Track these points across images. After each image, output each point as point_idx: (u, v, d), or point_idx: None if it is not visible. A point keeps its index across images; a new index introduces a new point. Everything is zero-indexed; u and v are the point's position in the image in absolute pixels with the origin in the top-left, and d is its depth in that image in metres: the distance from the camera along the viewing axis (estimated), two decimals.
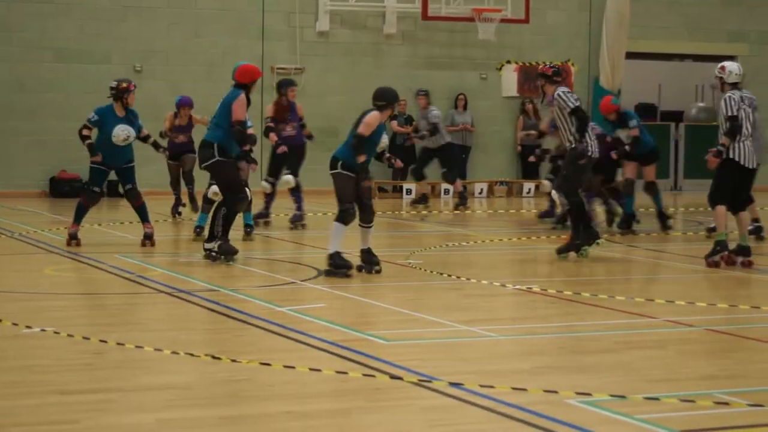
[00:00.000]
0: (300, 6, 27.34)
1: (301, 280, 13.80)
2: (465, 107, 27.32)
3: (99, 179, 16.84)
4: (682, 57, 29.31)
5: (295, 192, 18.95)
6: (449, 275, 13.69)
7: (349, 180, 14.06)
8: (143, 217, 16.76)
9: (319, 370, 9.03)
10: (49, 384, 8.55)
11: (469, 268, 14.79)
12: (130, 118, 16.62)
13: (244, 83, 15.06)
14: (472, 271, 14.50)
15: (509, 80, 27.98)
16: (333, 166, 14.17)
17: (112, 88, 16.62)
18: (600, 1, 28.88)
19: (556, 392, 8.41)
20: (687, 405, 8.20)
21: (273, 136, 18.88)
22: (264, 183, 19.04)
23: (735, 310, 12.15)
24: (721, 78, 14.89)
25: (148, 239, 16.66)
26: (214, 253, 14.94)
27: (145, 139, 17.08)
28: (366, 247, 14.38)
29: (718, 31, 30.32)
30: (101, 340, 10.00)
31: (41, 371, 9.04)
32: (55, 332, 10.32)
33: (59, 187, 25.85)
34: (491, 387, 8.52)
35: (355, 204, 14.13)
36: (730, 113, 14.57)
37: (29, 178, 25.86)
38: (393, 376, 8.88)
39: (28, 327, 10.55)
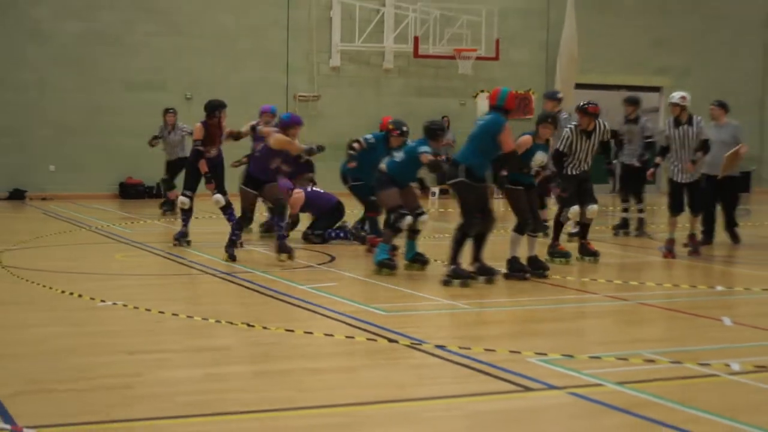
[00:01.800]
0: (317, 46, 27.42)
1: (318, 264, 13.83)
2: (448, 127, 27.41)
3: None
4: (619, 87, 29.26)
5: (227, 210, 15.02)
6: (440, 261, 13.71)
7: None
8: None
9: (331, 335, 9.07)
10: (119, 346, 8.58)
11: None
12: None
13: (508, 109, 12.12)
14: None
15: (483, 106, 27.96)
16: (454, 175, 12.06)
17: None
18: (555, 43, 28.92)
19: (519, 352, 8.46)
20: (622, 362, 8.24)
21: (204, 164, 15.04)
22: (183, 198, 15.46)
23: (660, 288, 12.17)
24: (683, 106, 14.85)
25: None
26: (446, 278, 11.97)
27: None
28: (533, 254, 12.85)
29: (647, 66, 30.33)
30: (160, 311, 10.05)
31: (113, 335, 9.09)
32: (124, 305, 10.36)
33: (127, 191, 25.94)
34: (468, 348, 8.56)
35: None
36: (704, 136, 14.55)
37: (103, 182, 25.88)
38: (390, 340, 8.91)
39: (102, 301, 10.58)
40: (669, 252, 14.62)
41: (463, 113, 27.86)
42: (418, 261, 13.19)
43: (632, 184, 17.38)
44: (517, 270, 12.61)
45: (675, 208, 14.75)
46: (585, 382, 7.57)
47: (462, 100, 28.17)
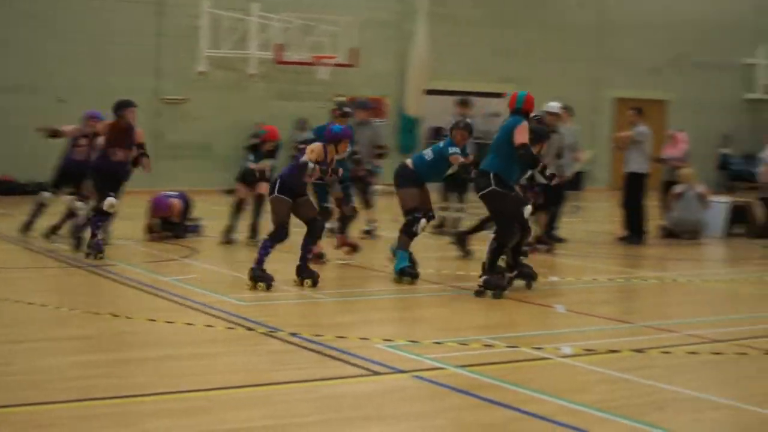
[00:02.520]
0: (186, 52, 27.15)
1: (180, 257, 13.69)
2: (305, 129, 27.43)
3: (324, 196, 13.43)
4: (466, 93, 29.51)
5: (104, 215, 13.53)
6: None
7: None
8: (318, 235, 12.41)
9: (192, 324, 8.98)
10: None
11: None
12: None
13: (527, 110, 11.34)
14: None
15: None
16: (486, 185, 11.01)
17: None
18: (408, 52, 29.08)
19: (368, 339, 8.47)
20: (463, 347, 8.31)
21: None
22: (79, 203, 14.26)
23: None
24: (559, 115, 15.02)
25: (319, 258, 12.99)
26: (480, 288, 10.96)
27: None
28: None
29: (492, 74, 30.64)
30: (29, 303, 9.85)
31: None
32: None
33: None
34: (321, 336, 8.55)
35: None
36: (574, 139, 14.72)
37: None
38: (248, 329, 8.86)
39: None
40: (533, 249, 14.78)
41: (322, 116, 27.84)
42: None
43: (456, 184, 16.59)
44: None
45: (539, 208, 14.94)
46: (428, 366, 7.60)
47: (320, 104, 28.14)
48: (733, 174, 32.42)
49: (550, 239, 15.26)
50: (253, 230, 14.82)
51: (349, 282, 12.05)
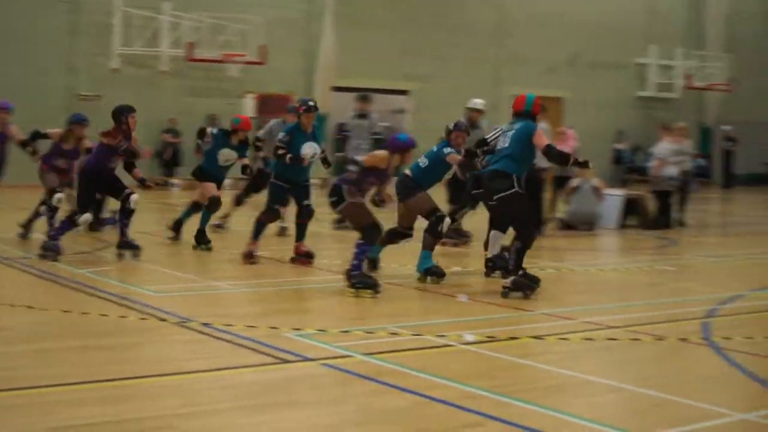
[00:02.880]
0: (99, 49, 26.88)
1: (95, 249, 13.55)
2: (216, 125, 27.32)
3: (282, 197, 12.82)
4: (374, 90, 29.53)
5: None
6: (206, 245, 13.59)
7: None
8: (302, 235, 12.73)
9: (106, 315, 8.90)
10: None
11: (218, 240, 14.61)
12: (315, 136, 12.65)
13: (535, 113, 11.06)
14: (222, 243, 14.39)
15: (249, 105, 27.89)
16: (509, 186, 10.66)
17: (294, 108, 12.96)
18: (315, 50, 29.09)
19: (277, 328, 8.46)
20: (369, 335, 8.35)
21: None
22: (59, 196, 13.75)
23: (405, 268, 12.33)
24: (482, 111, 15.13)
25: (309, 258, 12.67)
26: (506, 289, 10.58)
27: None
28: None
29: (397, 72, 30.75)
30: None
31: None
32: None
33: None
34: (231, 325, 8.52)
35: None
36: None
37: None
38: (161, 319, 8.80)
39: None
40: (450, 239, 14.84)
41: (231, 112, 27.72)
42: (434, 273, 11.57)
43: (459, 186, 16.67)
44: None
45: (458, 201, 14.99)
46: (336, 354, 7.62)
47: (230, 101, 27.99)
48: (626, 168, 32.90)
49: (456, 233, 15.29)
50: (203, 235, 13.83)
51: (259, 273, 12.00)
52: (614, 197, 18.66)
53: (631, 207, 18.84)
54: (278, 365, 7.32)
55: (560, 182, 17.96)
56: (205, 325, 8.53)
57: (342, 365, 7.29)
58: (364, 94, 16.83)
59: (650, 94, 35.39)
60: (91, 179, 12.65)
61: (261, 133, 15.51)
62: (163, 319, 8.78)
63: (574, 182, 17.97)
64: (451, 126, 12.34)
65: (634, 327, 9.10)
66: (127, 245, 12.71)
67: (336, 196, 10.69)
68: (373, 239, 10.69)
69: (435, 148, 12.03)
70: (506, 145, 10.89)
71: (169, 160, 27.71)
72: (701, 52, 36.52)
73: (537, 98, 11.21)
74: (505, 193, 10.66)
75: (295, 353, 7.59)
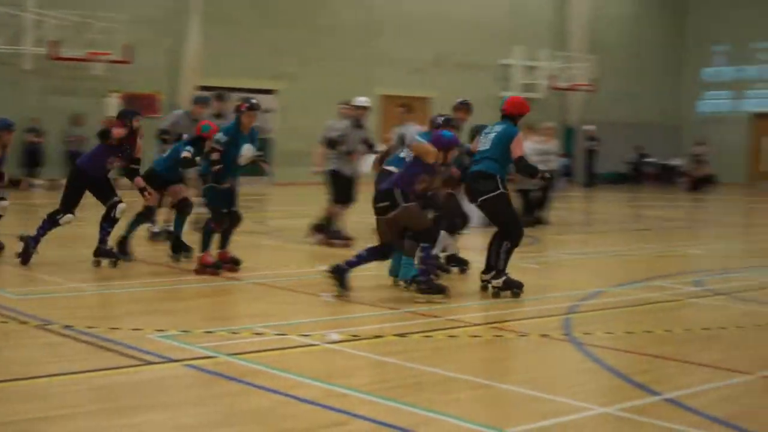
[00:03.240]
0: None
1: None
2: (81, 124, 26.86)
3: (220, 199, 11.84)
4: (241, 90, 29.33)
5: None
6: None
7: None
8: (227, 242, 12.00)
9: None
10: None
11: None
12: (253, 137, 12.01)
13: (512, 114, 10.93)
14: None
15: (114, 104, 27.45)
16: (494, 188, 10.62)
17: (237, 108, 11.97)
18: (181, 49, 28.84)
19: (141, 329, 8.36)
20: (233, 336, 8.30)
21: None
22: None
23: (270, 269, 12.27)
24: (367, 108, 15.04)
25: (236, 264, 12.05)
26: (497, 289, 10.74)
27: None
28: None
29: (264, 71, 30.61)
30: None
31: None
32: None
33: None
34: (94, 327, 8.39)
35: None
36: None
37: None
38: (21, 322, 8.62)
39: None
40: (333, 238, 14.78)
41: (96, 110, 27.28)
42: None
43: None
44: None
45: (345, 200, 14.96)
46: (200, 355, 7.55)
47: (96, 100, 27.55)
48: None
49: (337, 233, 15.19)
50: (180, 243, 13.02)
51: (123, 274, 11.82)
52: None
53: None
54: (141, 367, 7.22)
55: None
56: (67, 327, 8.38)
57: (205, 366, 7.23)
58: (220, 93, 16.22)
59: (515, 95, 35.87)
60: (83, 179, 12.16)
61: (166, 124, 14.84)
62: (24, 322, 8.60)
63: None
64: (440, 120, 11.89)
65: (498, 324, 9.21)
66: (105, 253, 12.22)
67: (388, 201, 10.39)
68: (434, 238, 10.53)
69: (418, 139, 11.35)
70: (487, 146, 10.86)
71: (30, 160, 27.09)
72: (565, 53, 37.15)
73: (513, 98, 11.22)
74: (489, 195, 10.66)
75: (158, 355, 7.50)
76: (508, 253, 10.74)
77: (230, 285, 11.22)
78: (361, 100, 15.32)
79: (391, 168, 11.60)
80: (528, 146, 18.84)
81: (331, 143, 14.86)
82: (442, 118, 11.95)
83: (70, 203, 12.18)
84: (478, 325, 9.17)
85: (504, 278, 10.72)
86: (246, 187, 12.43)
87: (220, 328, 8.54)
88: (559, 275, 13.18)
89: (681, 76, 42.22)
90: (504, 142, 10.74)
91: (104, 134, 12.19)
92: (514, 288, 10.71)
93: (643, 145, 38.04)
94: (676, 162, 37.17)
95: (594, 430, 6.09)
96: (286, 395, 6.47)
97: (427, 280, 10.34)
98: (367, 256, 10.54)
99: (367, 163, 15.46)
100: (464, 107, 13.46)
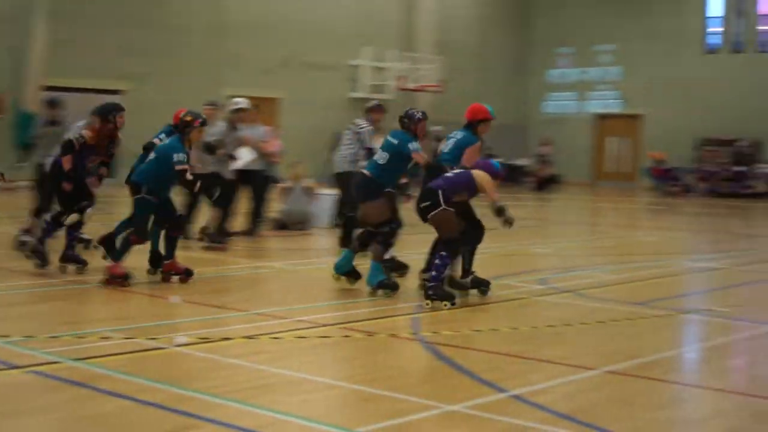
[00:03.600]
0: None
1: None
2: None
3: (150, 212, 11.37)
4: (87, 90, 28.80)
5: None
6: None
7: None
8: (173, 250, 11.53)
9: None
10: None
11: None
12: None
13: (472, 120, 11.21)
14: None
15: None
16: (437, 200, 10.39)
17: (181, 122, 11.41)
18: (25, 47, 28.20)
19: None
20: (79, 340, 8.15)
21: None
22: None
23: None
24: (246, 109, 14.77)
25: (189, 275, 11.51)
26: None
27: None
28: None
29: (112, 72, 30.12)
30: None
31: None
32: None
33: None
34: None
35: None
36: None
37: None
38: None
39: None
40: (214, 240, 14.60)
41: None
42: (353, 275, 11.38)
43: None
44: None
45: (226, 203, 14.81)
46: (44, 360, 7.39)
47: None
48: None
49: (221, 235, 14.91)
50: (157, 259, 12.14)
51: None
52: (326, 197, 18.84)
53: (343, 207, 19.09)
54: None
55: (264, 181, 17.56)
56: None
57: (50, 372, 7.08)
58: (52, 98, 15.30)
59: (363, 95, 36.00)
60: (62, 177, 11.82)
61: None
62: None
63: (287, 183, 18.08)
64: (419, 114, 11.25)
65: (346, 324, 9.24)
66: (72, 259, 11.92)
67: (430, 201, 10.38)
68: (456, 252, 10.57)
69: (395, 141, 11.03)
70: (447, 150, 11.09)
71: None
72: (413, 55, 37.44)
73: (474, 105, 11.36)
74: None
75: (1, 361, 7.31)
76: (470, 254, 10.97)
77: (80, 289, 10.98)
78: (238, 102, 15.03)
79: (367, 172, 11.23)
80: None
81: (210, 148, 14.47)
82: (420, 113, 11.32)
83: (65, 203, 11.92)
84: (327, 325, 9.18)
85: (472, 277, 11.00)
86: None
87: (65, 333, 8.36)
88: (407, 274, 13.29)
89: (527, 78, 42.99)
90: (462, 146, 11.04)
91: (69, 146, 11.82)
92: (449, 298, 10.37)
93: (490, 146, 38.58)
94: (522, 162, 37.80)
95: (442, 428, 6.15)
96: (133, 399, 6.38)
97: (437, 287, 10.25)
98: (444, 259, 10.36)
99: (244, 160, 15.40)
100: (379, 109, 13.81)
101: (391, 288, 10.96)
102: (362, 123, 14.32)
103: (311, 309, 10.14)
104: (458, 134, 11.27)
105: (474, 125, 11.22)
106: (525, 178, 36.39)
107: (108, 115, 11.81)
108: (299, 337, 8.58)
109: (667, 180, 36.69)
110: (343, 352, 8.35)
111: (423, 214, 10.51)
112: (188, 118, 11.37)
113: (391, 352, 8.37)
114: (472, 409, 6.43)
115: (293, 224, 17.89)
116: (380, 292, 10.89)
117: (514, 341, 8.77)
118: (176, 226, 11.59)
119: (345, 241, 13.38)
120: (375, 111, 14.20)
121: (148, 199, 11.21)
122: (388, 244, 11.19)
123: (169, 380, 6.88)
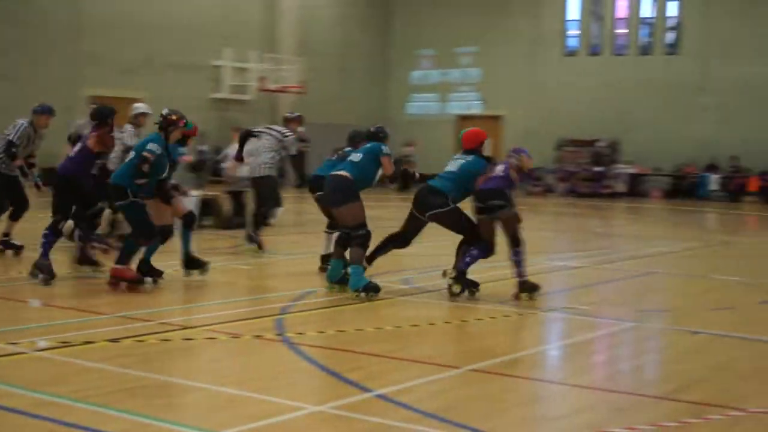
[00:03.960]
0: None
1: None
2: None
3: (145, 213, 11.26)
4: None
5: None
6: None
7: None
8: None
9: None
10: None
11: None
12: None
13: (472, 148, 11.54)
14: None
15: None
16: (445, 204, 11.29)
17: (160, 117, 11.44)
18: None
19: None
20: None
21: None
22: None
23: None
24: (147, 114, 14.44)
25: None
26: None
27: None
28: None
29: None
30: None
31: None
32: None
33: None
34: None
35: None
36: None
37: None
38: None
39: None
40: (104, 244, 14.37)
41: None
42: (346, 282, 11.37)
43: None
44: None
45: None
46: None
47: None
48: (212, 169, 33.05)
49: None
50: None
51: None
52: (190, 198, 18.69)
53: (207, 208, 18.98)
54: None
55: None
56: None
57: None
58: None
59: (225, 96, 35.84)
60: (72, 186, 11.59)
61: (14, 136, 13.68)
62: None
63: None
64: (374, 130, 11.79)
65: (211, 326, 9.19)
66: (87, 261, 12.05)
67: (503, 200, 11.05)
68: (489, 253, 11.28)
69: (370, 144, 11.54)
70: (453, 170, 11.40)
71: None
72: (275, 55, 37.36)
73: (472, 132, 11.67)
74: (442, 210, 11.28)
75: None
76: (476, 258, 11.25)
77: None
78: (140, 106, 14.73)
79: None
80: (236, 147, 18.83)
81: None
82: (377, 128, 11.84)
83: (64, 211, 11.71)
84: (192, 328, 9.12)
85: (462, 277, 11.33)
86: None
87: None
88: (272, 276, 13.27)
89: (389, 79, 43.28)
90: (473, 173, 11.34)
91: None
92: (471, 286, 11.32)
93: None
94: None
95: (308, 429, 6.17)
96: None
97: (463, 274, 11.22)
98: (477, 255, 11.20)
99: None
100: (298, 119, 14.83)
101: (375, 291, 11.06)
102: (285, 130, 14.87)
103: (176, 311, 10.09)
104: (466, 158, 11.54)
105: (478, 149, 11.57)
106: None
107: (106, 119, 11.79)
108: (164, 340, 8.51)
109: (528, 180, 37.28)
110: (208, 354, 8.31)
111: (491, 211, 11.11)
112: (174, 117, 11.38)
113: (257, 353, 8.36)
114: (339, 410, 6.47)
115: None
116: (363, 294, 10.96)
117: (378, 341, 8.84)
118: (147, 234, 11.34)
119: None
120: (295, 121, 14.91)
121: (138, 202, 11.09)
122: (365, 246, 11.19)
123: (31, 385, 6.75)
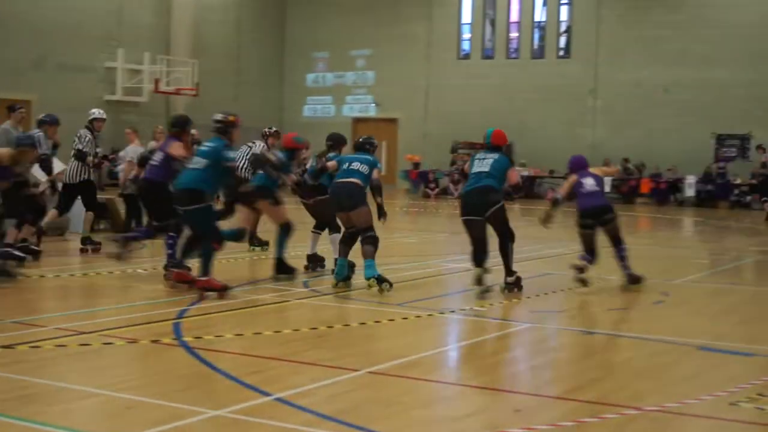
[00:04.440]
0: None
1: None
2: None
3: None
4: None
5: None
6: None
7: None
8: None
9: None
10: None
11: None
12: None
13: (499, 145, 12.49)
14: None
15: None
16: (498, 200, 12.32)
17: (218, 122, 11.55)
18: None
19: None
20: None
21: None
22: None
23: None
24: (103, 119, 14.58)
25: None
26: (511, 286, 12.34)
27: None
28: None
29: None
30: None
31: None
32: None
33: None
34: None
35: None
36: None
37: None
38: None
39: None
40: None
41: None
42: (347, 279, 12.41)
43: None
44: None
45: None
46: None
47: None
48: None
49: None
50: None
51: None
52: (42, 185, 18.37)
53: (101, 211, 18.74)
54: None
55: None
56: None
57: None
58: None
59: (119, 98, 35.46)
60: (158, 192, 12.32)
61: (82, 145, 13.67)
62: None
63: (41, 187, 17.60)
64: (362, 140, 12.60)
65: (107, 331, 9.10)
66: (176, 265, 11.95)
67: (613, 214, 12.82)
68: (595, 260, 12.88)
69: (367, 156, 12.38)
70: (486, 169, 12.09)
71: None
72: (168, 57, 37.08)
73: (496, 131, 12.47)
74: (497, 207, 12.03)
75: None
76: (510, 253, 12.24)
77: None
78: (96, 113, 15.07)
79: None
80: (132, 150, 18.65)
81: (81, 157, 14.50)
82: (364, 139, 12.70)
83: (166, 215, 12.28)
84: (88, 333, 9.01)
85: (516, 276, 12.32)
86: None
87: None
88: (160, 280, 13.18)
89: (284, 81, 43.24)
90: (504, 170, 12.18)
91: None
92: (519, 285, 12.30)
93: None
94: None
95: None
96: None
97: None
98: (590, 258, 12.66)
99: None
100: (277, 134, 15.10)
101: (389, 283, 11.76)
102: (259, 143, 15.32)
103: (71, 316, 9.95)
104: (492, 155, 12.32)
105: (501, 148, 12.44)
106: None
107: (186, 127, 12.93)
108: (59, 346, 8.40)
109: (423, 182, 37.56)
110: (105, 359, 8.22)
111: (604, 224, 12.71)
112: (231, 119, 11.66)
113: (154, 358, 8.30)
114: (238, 414, 6.46)
115: (50, 229, 17.42)
116: (375, 284, 11.71)
117: (276, 344, 8.83)
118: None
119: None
120: (274, 136, 15.22)
121: (212, 206, 11.47)
122: (376, 244, 11.93)
123: None
